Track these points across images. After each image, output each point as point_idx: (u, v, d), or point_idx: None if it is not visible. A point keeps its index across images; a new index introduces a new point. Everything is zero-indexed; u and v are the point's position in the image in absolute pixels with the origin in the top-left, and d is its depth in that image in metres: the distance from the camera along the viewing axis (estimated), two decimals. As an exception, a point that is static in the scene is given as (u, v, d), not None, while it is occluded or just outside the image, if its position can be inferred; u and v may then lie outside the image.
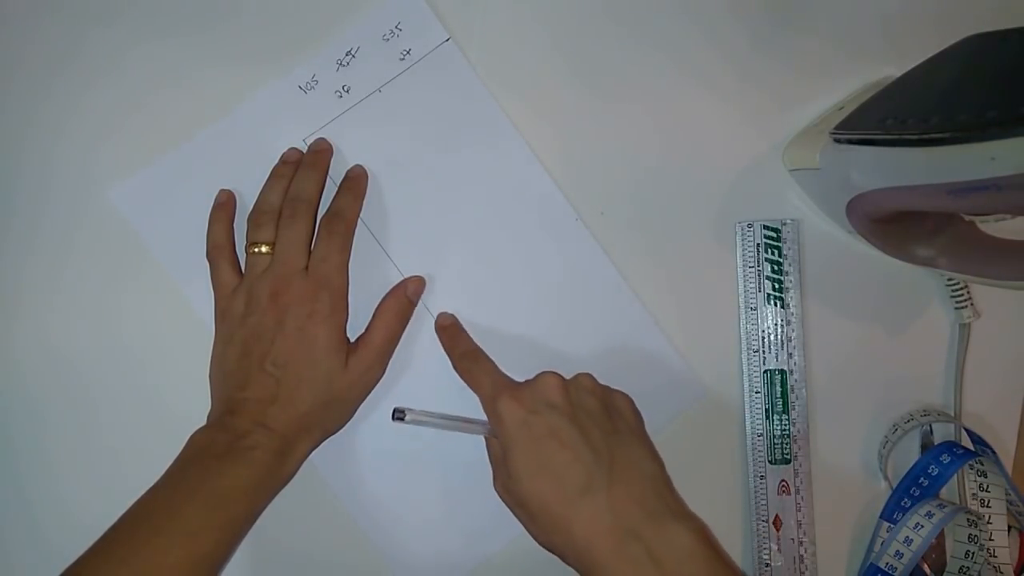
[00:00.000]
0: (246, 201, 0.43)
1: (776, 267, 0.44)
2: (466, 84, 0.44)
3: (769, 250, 0.44)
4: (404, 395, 0.44)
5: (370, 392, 0.42)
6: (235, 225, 0.43)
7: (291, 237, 0.40)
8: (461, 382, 0.41)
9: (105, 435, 0.44)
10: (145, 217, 0.43)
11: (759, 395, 0.44)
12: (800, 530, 0.44)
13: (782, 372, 0.44)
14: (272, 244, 0.41)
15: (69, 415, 0.44)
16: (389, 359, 0.42)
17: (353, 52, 0.43)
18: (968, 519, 0.41)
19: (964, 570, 0.41)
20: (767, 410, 0.44)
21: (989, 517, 0.42)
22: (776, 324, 0.44)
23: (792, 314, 0.44)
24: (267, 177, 0.43)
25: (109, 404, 0.44)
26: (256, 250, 0.41)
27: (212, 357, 0.41)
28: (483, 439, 0.41)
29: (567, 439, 0.36)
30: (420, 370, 0.44)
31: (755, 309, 0.44)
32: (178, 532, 0.35)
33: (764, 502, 0.44)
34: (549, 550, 0.37)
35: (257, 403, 0.38)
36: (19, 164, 0.43)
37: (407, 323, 0.43)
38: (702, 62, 0.45)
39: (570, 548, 0.35)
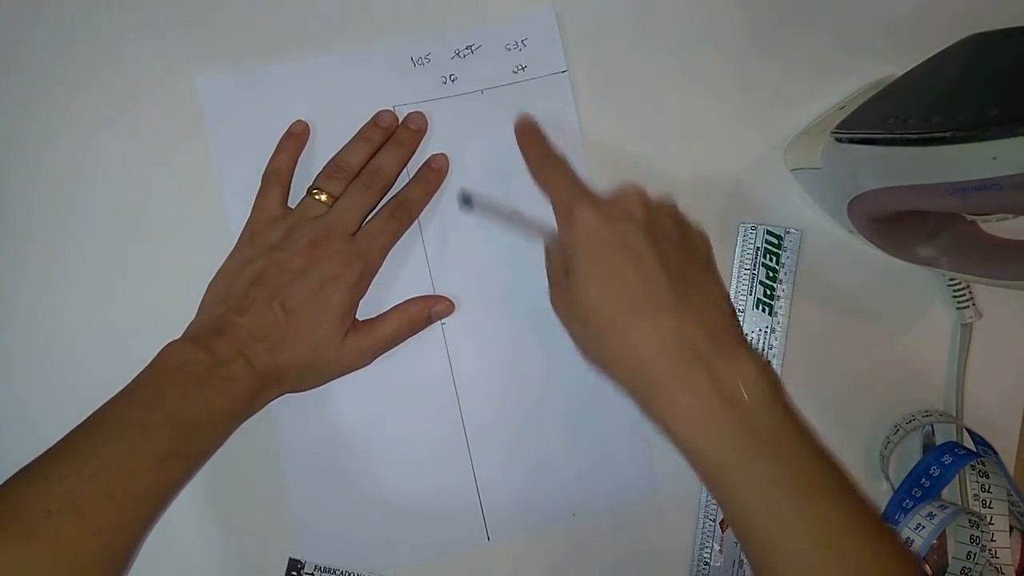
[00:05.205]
0: (315, 140, 0.44)
1: (772, 273, 0.44)
2: (564, 119, 0.44)
3: (768, 255, 0.44)
4: (382, 370, 0.43)
5: (347, 374, 0.42)
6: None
7: (355, 203, 0.41)
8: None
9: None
10: (219, 113, 0.43)
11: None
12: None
13: None
14: (335, 199, 0.41)
15: (69, 413, 0.43)
16: (381, 355, 0.42)
17: (473, 48, 0.44)
18: (970, 520, 0.41)
19: (965, 571, 0.41)
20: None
21: (991, 518, 0.42)
22: (760, 329, 0.44)
23: (778, 323, 0.44)
24: (356, 133, 0.43)
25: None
26: (317, 196, 0.41)
27: (220, 271, 0.41)
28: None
29: (640, 252, 0.34)
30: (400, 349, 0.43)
31: (742, 311, 0.44)
32: (152, 456, 0.34)
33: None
34: (597, 367, 0.36)
35: (248, 333, 0.38)
36: (12, 162, 0.43)
37: (416, 333, 0.43)
38: (703, 60, 0.45)
39: (624, 363, 0.34)
